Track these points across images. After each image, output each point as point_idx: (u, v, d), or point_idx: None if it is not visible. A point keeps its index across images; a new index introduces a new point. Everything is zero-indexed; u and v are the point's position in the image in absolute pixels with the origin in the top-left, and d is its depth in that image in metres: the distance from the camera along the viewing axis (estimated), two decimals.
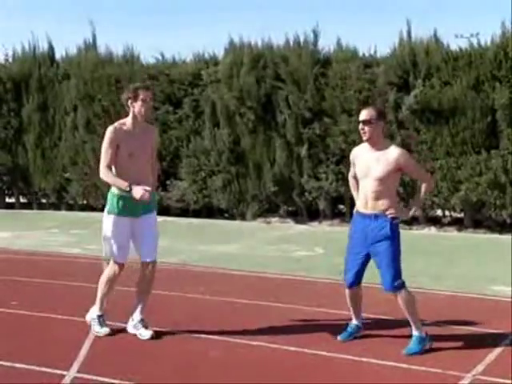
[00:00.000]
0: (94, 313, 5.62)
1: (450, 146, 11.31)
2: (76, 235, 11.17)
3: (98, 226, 11.94)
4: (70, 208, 14.70)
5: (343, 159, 12.09)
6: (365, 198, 5.23)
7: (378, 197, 5.15)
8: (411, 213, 5.35)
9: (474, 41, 11.28)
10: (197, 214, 13.16)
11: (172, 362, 4.99)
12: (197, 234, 10.79)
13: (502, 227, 11.24)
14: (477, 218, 11.56)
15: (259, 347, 5.29)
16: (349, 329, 5.49)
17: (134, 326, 5.57)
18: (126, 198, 5.36)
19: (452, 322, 5.84)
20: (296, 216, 12.81)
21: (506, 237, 10.80)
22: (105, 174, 5.39)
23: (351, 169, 5.52)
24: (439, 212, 12.13)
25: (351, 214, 12.00)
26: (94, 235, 11.03)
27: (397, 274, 5.14)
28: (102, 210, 14.66)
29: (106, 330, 5.49)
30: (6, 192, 15.75)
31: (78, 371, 4.75)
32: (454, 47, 11.52)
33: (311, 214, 12.70)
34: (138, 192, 5.23)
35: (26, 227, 12.06)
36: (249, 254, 9.53)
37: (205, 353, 5.17)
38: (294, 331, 5.66)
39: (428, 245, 10.06)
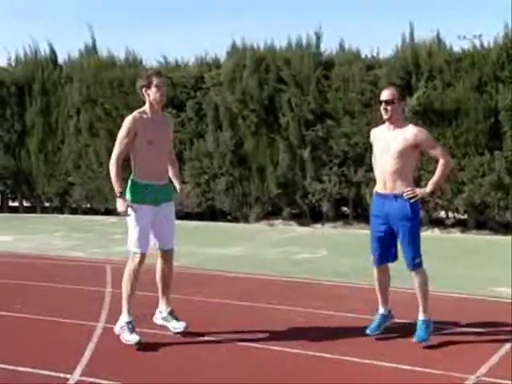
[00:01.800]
0: (122, 320, 5.41)
1: (453, 147, 11.29)
2: (79, 239, 11.17)
3: (101, 230, 12.03)
4: (74, 212, 14.72)
5: (346, 161, 12.11)
6: (383, 178, 5.35)
7: (396, 176, 5.28)
8: (428, 191, 5.37)
9: (477, 42, 11.30)
10: (200, 216, 13.17)
11: (174, 365, 4.99)
12: (200, 236, 10.77)
13: (506, 228, 11.22)
14: (480, 220, 11.55)
15: (262, 349, 5.28)
16: (376, 320, 5.55)
17: (164, 318, 5.60)
18: (146, 186, 5.35)
19: (455, 324, 5.83)
20: (299, 218, 12.81)
21: (509, 238, 10.77)
22: (112, 166, 5.34)
23: (373, 150, 5.59)
24: (443, 213, 12.12)
25: (354, 216, 11.93)
26: (97, 239, 11.07)
27: (417, 252, 5.34)
28: (105, 213, 14.76)
29: (135, 338, 5.27)
30: (10, 196, 15.79)
31: (81, 375, 4.74)
32: (456, 49, 11.54)
33: (314, 216, 12.69)
34: (121, 205, 5.27)
35: (30, 231, 12.07)
36: (252, 256, 9.53)
37: (208, 355, 5.17)
38: (298, 333, 5.65)
39: (431, 246, 10.02)
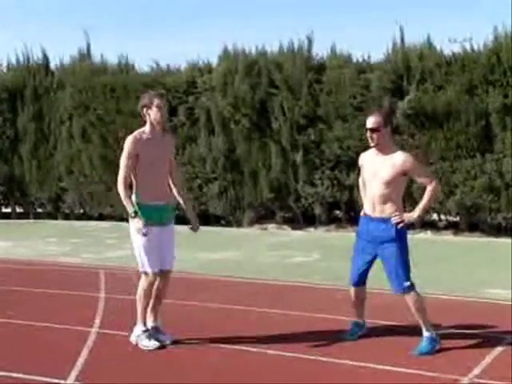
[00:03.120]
0: (138, 330, 5.49)
1: (444, 150, 11.34)
2: (72, 244, 11.16)
3: (94, 235, 12.01)
4: (67, 217, 14.69)
5: (338, 165, 12.14)
6: (372, 201, 5.34)
7: (384, 200, 5.26)
8: (416, 216, 5.32)
9: (467, 46, 11.35)
10: None
11: (169, 370, 5.00)
12: (193, 241, 10.75)
13: (498, 231, 11.26)
14: (472, 222, 11.59)
15: (257, 353, 5.30)
16: (353, 328, 5.58)
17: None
18: (151, 207, 5.37)
19: (448, 326, 5.86)
20: (292, 222, 12.83)
21: (501, 240, 10.83)
22: (121, 188, 5.35)
23: (361, 173, 5.60)
24: (435, 216, 12.16)
25: (347, 220, 11.94)
26: (90, 244, 11.06)
27: (404, 275, 5.25)
28: (98, 218, 14.68)
29: (154, 344, 5.38)
30: (2, 202, 15.76)
31: (75, 380, 4.74)
32: (447, 52, 11.58)
33: (307, 219, 12.71)
34: (137, 224, 5.27)
35: (23, 237, 12.05)
36: (245, 260, 9.54)
37: (203, 360, 5.18)
38: (291, 337, 5.67)
39: (424, 249, 10.06)
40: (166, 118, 5.52)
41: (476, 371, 4.77)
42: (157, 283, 5.62)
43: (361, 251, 5.45)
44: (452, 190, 11.33)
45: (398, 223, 5.23)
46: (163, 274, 5.58)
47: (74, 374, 4.84)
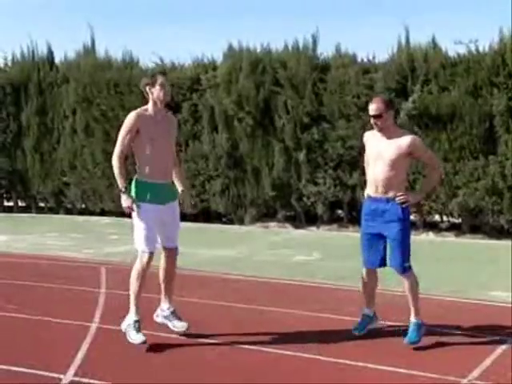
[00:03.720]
0: (130, 318, 5.38)
1: (447, 151, 11.33)
2: (74, 239, 11.17)
3: (96, 230, 12.01)
4: (69, 212, 14.71)
5: (341, 164, 12.13)
6: (375, 183, 5.38)
7: (388, 182, 5.31)
8: (420, 196, 5.44)
9: (472, 47, 11.33)
10: (195, 218, 13.17)
11: (169, 366, 5.00)
12: (194, 238, 10.78)
13: (500, 233, 11.25)
14: (474, 224, 11.57)
15: (256, 351, 5.30)
16: (361, 321, 5.59)
17: (166, 316, 5.62)
18: (151, 185, 5.36)
19: (448, 327, 5.85)
20: (294, 221, 12.82)
21: (503, 242, 10.82)
22: (115, 162, 5.34)
23: (365, 153, 5.61)
24: (437, 217, 12.14)
25: (349, 219, 11.95)
26: (92, 239, 11.07)
27: (406, 256, 5.35)
28: (100, 214, 14.73)
29: (141, 338, 5.25)
30: (5, 195, 15.75)
31: (75, 375, 4.75)
32: (452, 53, 11.57)
33: (309, 218, 12.71)
34: (125, 200, 5.27)
35: (24, 231, 12.06)
36: (246, 258, 9.54)
37: (202, 357, 5.18)
38: (292, 336, 5.67)
39: (426, 250, 10.05)
40: (169, 96, 5.49)
41: (475, 373, 4.77)
42: (163, 265, 5.59)
43: (367, 233, 5.48)
44: (455, 191, 11.32)
45: (402, 203, 5.28)
46: (168, 253, 5.55)
47: (73, 368, 4.84)
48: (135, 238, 5.41)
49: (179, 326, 5.57)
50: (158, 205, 5.37)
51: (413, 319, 5.40)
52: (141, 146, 5.37)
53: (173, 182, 5.60)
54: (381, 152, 5.32)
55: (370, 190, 5.47)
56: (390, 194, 5.31)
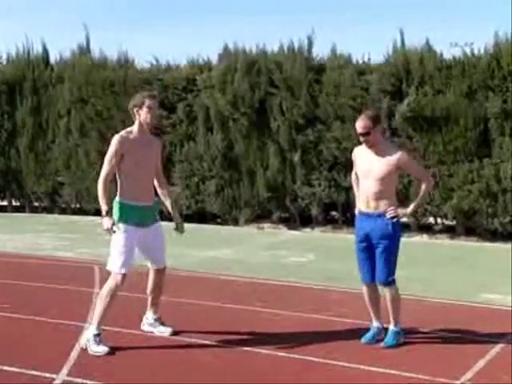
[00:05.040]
0: (90, 332, 5.29)
1: (442, 153, 11.35)
2: (68, 239, 11.15)
3: (90, 230, 12.01)
4: (63, 212, 14.68)
5: (336, 166, 12.14)
6: (366, 197, 5.42)
7: (379, 197, 5.35)
8: (410, 210, 5.47)
9: (467, 50, 11.35)
10: (189, 219, 13.15)
11: (162, 367, 4.99)
12: (189, 239, 10.76)
13: (494, 235, 11.27)
14: (469, 226, 11.59)
15: (250, 353, 5.29)
16: (371, 331, 5.58)
17: (151, 324, 5.70)
18: (133, 207, 5.37)
19: (442, 329, 5.86)
20: (288, 222, 12.82)
21: (497, 245, 10.85)
22: (101, 185, 5.35)
23: (354, 168, 5.66)
24: (431, 220, 12.16)
25: (344, 221, 11.97)
26: (86, 239, 11.05)
27: (392, 270, 5.39)
28: (94, 213, 14.71)
29: (104, 349, 5.17)
30: None
31: (68, 375, 4.74)
32: (447, 56, 11.59)
33: (304, 220, 12.71)
34: (106, 222, 5.25)
35: (18, 230, 12.03)
36: (241, 259, 9.53)
37: (196, 358, 5.18)
38: (285, 337, 5.67)
39: (420, 252, 10.07)
40: (156, 120, 5.51)
41: (469, 375, 4.78)
42: (153, 281, 5.64)
43: (362, 249, 5.49)
44: (449, 193, 11.34)
45: (392, 217, 5.31)
46: (158, 273, 5.62)
47: (66, 368, 4.84)
48: (111, 258, 5.37)
49: (164, 330, 5.63)
50: (139, 227, 5.38)
51: (392, 327, 5.46)
52: (125, 169, 5.38)
53: (157, 203, 5.61)
54: (371, 168, 5.36)
55: (361, 205, 5.50)
56: (381, 209, 5.34)
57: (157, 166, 5.63)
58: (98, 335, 5.27)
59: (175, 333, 5.62)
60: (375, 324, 5.61)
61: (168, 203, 5.71)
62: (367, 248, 5.45)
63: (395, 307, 5.43)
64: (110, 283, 5.35)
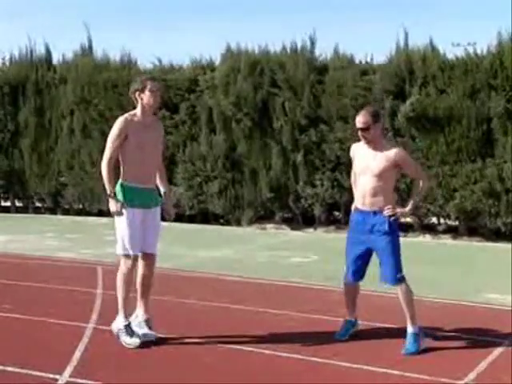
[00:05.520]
0: (120, 323, 5.36)
1: (445, 153, 11.35)
2: (71, 239, 11.16)
3: (93, 231, 12.01)
4: (66, 212, 14.70)
5: (339, 166, 12.14)
6: (363, 194, 5.39)
7: (375, 193, 5.31)
8: (407, 210, 5.42)
9: (471, 50, 11.35)
10: (192, 219, 13.17)
11: (165, 367, 4.99)
12: (192, 239, 10.78)
13: (497, 235, 11.27)
14: (472, 226, 11.59)
15: (252, 353, 5.29)
16: (345, 327, 5.57)
17: (138, 323, 5.55)
18: (135, 189, 5.36)
19: (445, 330, 5.85)
20: (291, 222, 12.82)
21: (500, 245, 10.83)
22: (104, 167, 5.35)
23: (352, 166, 5.64)
24: (434, 220, 12.16)
25: (346, 221, 12.04)
26: (89, 240, 11.05)
27: (398, 267, 5.31)
28: (97, 214, 14.73)
29: (136, 342, 5.26)
30: (2, 195, 15.75)
31: (71, 375, 4.74)
32: (450, 56, 11.60)
33: (307, 220, 12.71)
34: (113, 205, 5.27)
35: (21, 231, 12.05)
36: (243, 259, 9.54)
37: (198, 358, 5.18)
38: (288, 337, 5.67)
39: (423, 252, 10.07)
40: (159, 102, 5.47)
41: (471, 376, 4.77)
42: (141, 270, 5.55)
43: (354, 247, 5.46)
44: (452, 194, 11.33)
45: (390, 216, 5.28)
46: (146, 259, 5.51)
47: (69, 369, 4.83)
48: (119, 241, 5.38)
49: (149, 336, 5.45)
50: (143, 209, 5.38)
51: (410, 329, 5.32)
52: (128, 151, 5.36)
53: (157, 186, 5.61)
54: (368, 165, 5.34)
55: (357, 202, 5.48)
56: (377, 206, 5.31)
57: (159, 149, 5.59)
58: (128, 325, 5.32)
59: (158, 340, 5.44)
60: (349, 318, 5.60)
61: (162, 186, 5.65)
62: (361, 247, 5.40)
63: (409, 304, 5.32)
64: (122, 269, 5.38)
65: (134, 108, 5.48)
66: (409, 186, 10.80)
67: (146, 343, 5.37)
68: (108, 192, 5.31)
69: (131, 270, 5.38)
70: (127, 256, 5.36)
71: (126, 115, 5.42)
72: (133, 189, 5.36)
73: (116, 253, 5.46)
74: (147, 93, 5.37)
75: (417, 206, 5.69)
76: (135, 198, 5.35)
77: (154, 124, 5.56)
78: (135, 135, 5.34)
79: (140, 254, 5.50)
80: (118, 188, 5.39)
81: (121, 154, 5.38)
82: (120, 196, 5.35)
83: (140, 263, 5.57)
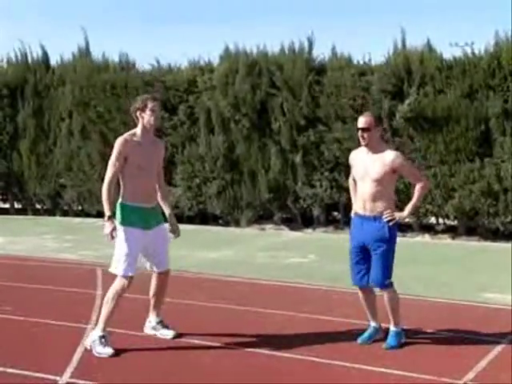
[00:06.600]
0: (95, 334, 5.32)
1: (443, 153, 11.36)
2: (70, 241, 11.17)
3: (92, 232, 12.02)
4: (65, 214, 14.70)
5: (337, 166, 12.14)
6: (363, 199, 5.43)
7: (375, 198, 5.36)
8: (406, 214, 5.46)
9: (468, 50, 11.36)
10: (191, 220, 13.17)
11: (165, 369, 5.00)
12: (191, 240, 10.79)
13: (495, 235, 11.28)
14: (470, 226, 11.60)
15: (252, 353, 5.31)
16: (368, 331, 5.60)
17: (153, 327, 5.69)
18: (136, 209, 5.37)
19: (443, 329, 5.87)
20: (290, 223, 12.83)
21: (499, 244, 10.85)
22: (106, 189, 5.34)
23: (351, 171, 5.68)
24: (433, 219, 12.17)
25: (345, 221, 11.98)
26: (88, 241, 11.06)
27: (388, 273, 5.39)
28: (96, 215, 14.74)
29: (109, 351, 5.21)
30: (1, 197, 15.74)
31: (71, 377, 4.75)
32: (448, 56, 11.59)
33: (305, 220, 12.72)
34: (107, 227, 5.28)
35: (21, 232, 12.05)
36: (242, 260, 9.55)
37: (197, 359, 5.19)
38: (287, 337, 5.68)
39: (421, 252, 10.09)
40: (159, 121, 5.52)
41: (471, 375, 4.79)
42: (156, 281, 5.63)
43: (356, 252, 5.51)
44: (450, 193, 11.34)
45: (389, 221, 5.32)
46: (161, 276, 5.61)
47: (69, 370, 4.85)
48: (116, 261, 5.38)
49: (167, 333, 5.62)
50: (143, 230, 5.39)
51: (392, 328, 5.46)
52: (128, 171, 5.38)
53: (158, 205, 5.62)
54: (367, 169, 5.38)
55: (357, 207, 5.52)
56: (377, 211, 5.35)
57: (158, 168, 5.64)
58: (103, 337, 5.30)
59: (178, 335, 5.62)
60: (372, 324, 5.62)
61: (166, 206, 5.69)
62: (362, 251, 5.46)
63: (394, 309, 5.43)
64: (117, 286, 5.37)
65: (135, 125, 5.50)
66: (407, 185, 10.86)
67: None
68: (105, 213, 5.31)
69: (125, 291, 5.38)
70: (123, 276, 5.36)
71: (126, 136, 5.44)
72: (132, 209, 5.38)
73: (110, 270, 5.43)
74: (148, 112, 5.41)
75: (415, 209, 5.70)
76: (135, 217, 5.36)
77: (154, 143, 5.59)
78: (135, 156, 5.36)
79: (154, 273, 5.61)
80: (117, 208, 5.40)
81: (120, 174, 5.40)
82: (119, 217, 5.36)
83: (153, 279, 5.65)
